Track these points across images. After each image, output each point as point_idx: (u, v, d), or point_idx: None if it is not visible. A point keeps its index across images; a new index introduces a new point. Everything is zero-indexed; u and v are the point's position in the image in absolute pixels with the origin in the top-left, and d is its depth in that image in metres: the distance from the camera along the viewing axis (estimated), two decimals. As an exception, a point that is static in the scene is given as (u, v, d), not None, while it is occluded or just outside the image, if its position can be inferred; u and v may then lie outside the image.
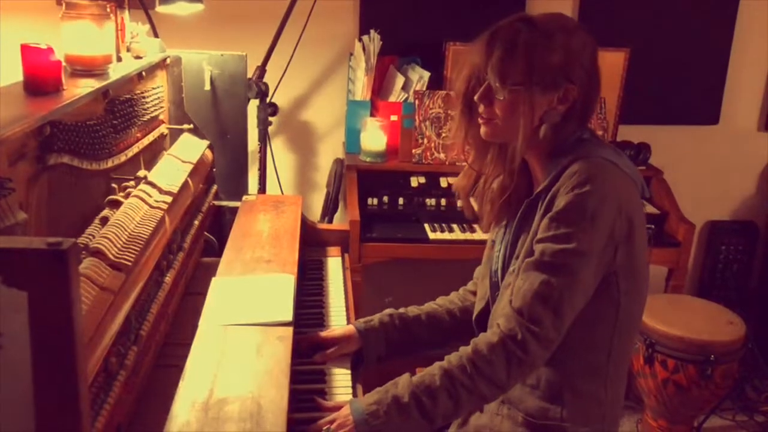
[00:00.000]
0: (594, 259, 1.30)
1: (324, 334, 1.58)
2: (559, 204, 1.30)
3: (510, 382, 1.32)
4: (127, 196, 1.49)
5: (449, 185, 2.59)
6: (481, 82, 1.38)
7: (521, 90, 1.32)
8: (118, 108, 1.61)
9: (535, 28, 1.33)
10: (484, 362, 1.29)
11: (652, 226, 2.61)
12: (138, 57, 1.86)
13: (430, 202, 2.64)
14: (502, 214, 1.50)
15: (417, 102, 2.67)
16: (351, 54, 2.81)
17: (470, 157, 1.50)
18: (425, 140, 2.68)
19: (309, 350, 1.55)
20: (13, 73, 1.38)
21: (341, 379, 1.48)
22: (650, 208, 2.74)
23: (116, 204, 1.44)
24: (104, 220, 1.36)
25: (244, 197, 2.13)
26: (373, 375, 1.59)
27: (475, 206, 1.54)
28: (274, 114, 2.56)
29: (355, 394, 1.43)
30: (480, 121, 1.40)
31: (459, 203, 1.59)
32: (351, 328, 1.57)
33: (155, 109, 1.91)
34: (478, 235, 2.50)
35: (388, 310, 1.62)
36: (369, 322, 1.58)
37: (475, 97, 1.38)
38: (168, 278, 1.54)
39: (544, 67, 1.32)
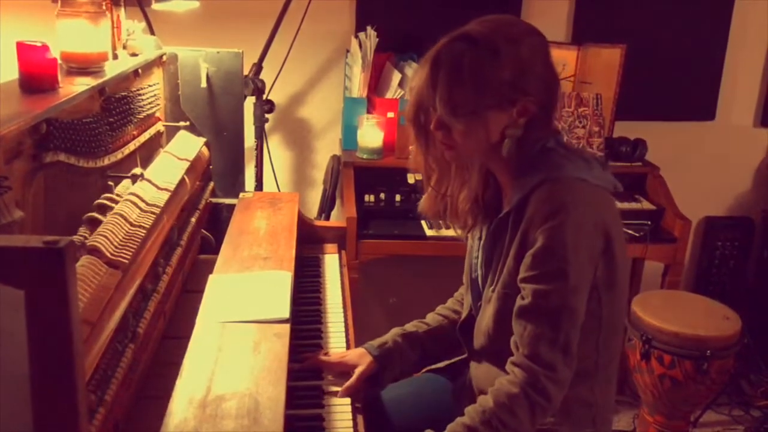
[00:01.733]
0: (584, 286, 1.29)
1: (336, 359, 1.53)
2: (537, 240, 1.26)
3: (533, 428, 1.30)
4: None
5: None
6: (434, 107, 1.32)
7: (475, 117, 1.28)
8: (115, 105, 1.61)
9: (479, 45, 1.25)
10: (508, 415, 1.27)
11: (648, 222, 2.62)
12: (134, 54, 1.86)
13: (427, 198, 2.64)
14: (476, 226, 1.48)
15: (413, 99, 2.67)
16: (347, 51, 2.80)
17: (433, 179, 1.45)
18: (422, 137, 2.68)
19: (314, 371, 1.51)
20: (9, 71, 1.38)
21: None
22: (646, 204, 2.75)
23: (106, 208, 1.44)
24: (93, 222, 1.35)
25: (241, 194, 2.13)
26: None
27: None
28: (270, 111, 2.56)
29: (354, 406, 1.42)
30: (441, 146, 1.36)
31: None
32: (363, 352, 1.52)
33: (151, 107, 1.91)
34: (475, 231, 2.51)
35: (397, 330, 1.59)
36: (383, 345, 1.54)
37: (431, 127, 1.33)
38: (165, 275, 1.54)
39: (496, 87, 1.26)
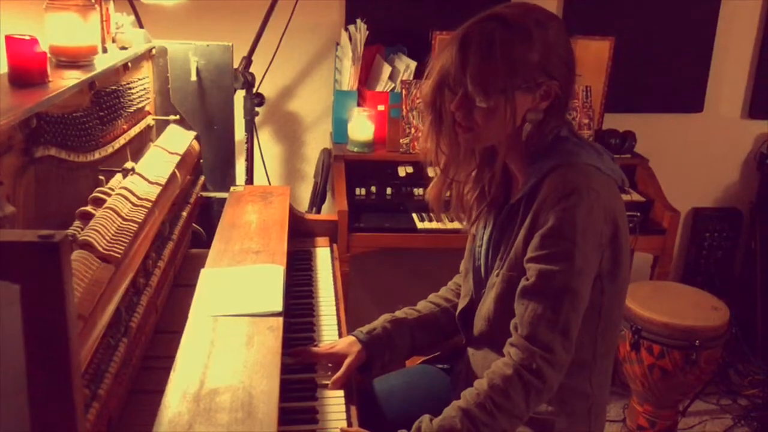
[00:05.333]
0: (589, 271, 1.29)
1: (324, 350, 1.52)
2: (547, 221, 1.27)
3: (529, 411, 1.30)
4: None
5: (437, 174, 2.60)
6: (453, 89, 1.32)
7: (504, 97, 1.27)
8: (105, 99, 1.60)
9: (510, 26, 1.26)
10: (502, 397, 1.27)
11: (638, 214, 2.64)
12: (123, 48, 1.84)
13: (418, 191, 2.64)
14: (481, 216, 1.48)
15: (404, 92, 2.67)
16: (337, 44, 2.80)
17: (442, 163, 1.43)
18: (412, 130, 2.68)
19: (307, 364, 1.50)
20: (-2, 65, 1.37)
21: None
22: (636, 196, 2.76)
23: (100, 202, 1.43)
24: (87, 216, 1.35)
25: (232, 188, 2.13)
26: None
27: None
28: (260, 104, 2.55)
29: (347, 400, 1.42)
30: (458, 129, 1.35)
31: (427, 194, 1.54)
32: (352, 340, 1.52)
33: (141, 101, 1.90)
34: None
35: (386, 316, 1.59)
36: (372, 332, 1.54)
37: (452, 107, 1.32)
38: (157, 270, 1.54)
39: (526, 68, 1.27)
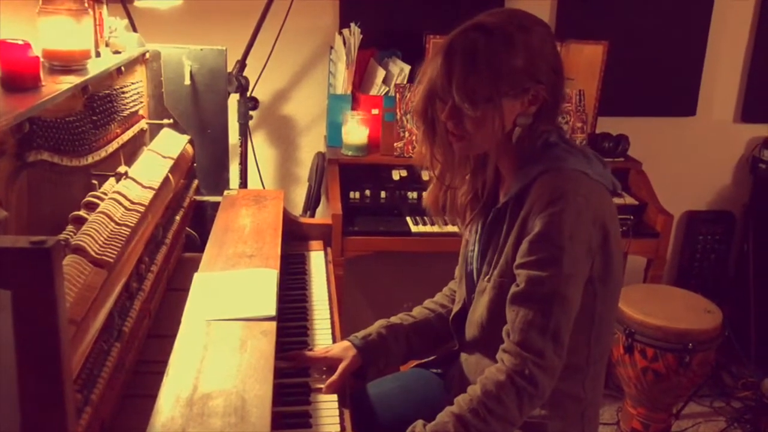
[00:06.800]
0: (579, 276, 1.30)
1: (319, 354, 1.52)
2: (535, 226, 1.28)
3: (522, 416, 1.30)
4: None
5: (431, 178, 2.60)
6: (443, 99, 1.33)
7: (491, 105, 1.28)
8: (98, 104, 1.60)
9: (492, 34, 1.27)
10: (495, 403, 1.27)
11: (631, 217, 2.64)
12: (117, 52, 1.84)
13: (412, 195, 2.65)
14: (474, 220, 1.49)
15: (398, 95, 2.68)
16: (331, 47, 2.80)
17: (437, 171, 1.45)
18: (406, 134, 2.69)
19: (301, 368, 1.50)
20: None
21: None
22: (629, 199, 2.77)
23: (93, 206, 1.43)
24: (80, 220, 1.35)
25: (226, 192, 2.13)
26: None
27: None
28: (254, 108, 2.56)
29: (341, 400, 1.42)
30: (450, 138, 1.36)
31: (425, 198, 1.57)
32: (347, 345, 1.52)
33: (135, 105, 1.90)
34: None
35: (382, 322, 1.59)
36: (367, 337, 1.54)
37: (442, 117, 1.33)
38: (150, 274, 1.54)
39: (511, 74, 1.27)
